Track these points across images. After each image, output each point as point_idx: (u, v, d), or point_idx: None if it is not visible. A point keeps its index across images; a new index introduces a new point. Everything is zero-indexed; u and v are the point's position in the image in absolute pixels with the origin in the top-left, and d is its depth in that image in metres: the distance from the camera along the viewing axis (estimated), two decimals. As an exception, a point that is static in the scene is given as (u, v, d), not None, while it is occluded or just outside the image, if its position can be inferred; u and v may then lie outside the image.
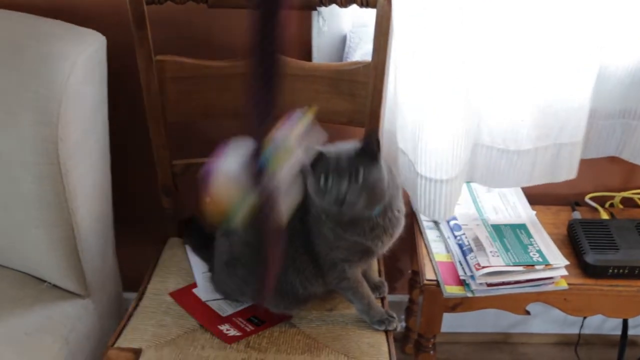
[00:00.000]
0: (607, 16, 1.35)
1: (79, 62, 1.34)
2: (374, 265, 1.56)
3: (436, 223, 1.63)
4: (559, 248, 1.52)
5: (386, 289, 1.48)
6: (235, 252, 1.38)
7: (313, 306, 1.44)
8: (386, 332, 1.38)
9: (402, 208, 1.33)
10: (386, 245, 1.33)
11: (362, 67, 1.41)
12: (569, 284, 1.47)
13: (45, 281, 1.49)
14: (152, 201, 1.62)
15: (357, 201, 1.20)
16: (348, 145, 1.24)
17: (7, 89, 1.31)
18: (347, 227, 1.26)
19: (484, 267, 1.43)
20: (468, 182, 1.72)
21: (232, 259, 1.39)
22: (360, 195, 1.20)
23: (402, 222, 1.33)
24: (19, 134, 1.32)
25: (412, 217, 1.73)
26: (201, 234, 1.57)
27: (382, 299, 1.47)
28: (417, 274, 1.83)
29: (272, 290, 1.35)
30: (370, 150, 1.21)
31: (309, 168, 1.22)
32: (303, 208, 1.28)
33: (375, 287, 1.47)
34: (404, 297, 1.96)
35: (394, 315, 1.41)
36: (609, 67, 1.48)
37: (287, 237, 1.29)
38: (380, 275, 1.54)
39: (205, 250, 1.50)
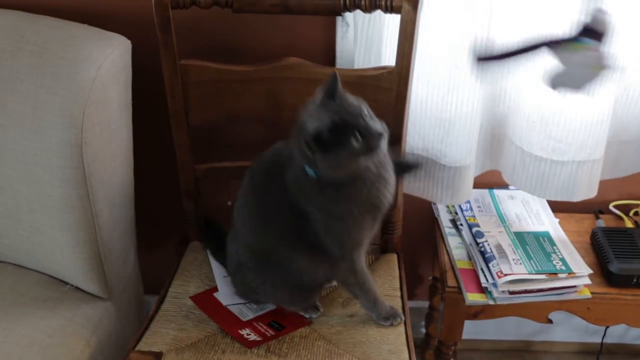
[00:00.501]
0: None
1: (105, 65, 1.35)
2: (390, 260, 1.56)
3: (458, 229, 1.63)
4: (582, 256, 1.51)
5: (400, 317, 1.41)
6: (241, 259, 1.39)
7: (333, 310, 1.43)
8: (407, 338, 1.37)
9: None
10: (390, 196, 1.29)
11: (385, 72, 1.40)
12: (592, 293, 1.47)
13: (67, 283, 1.50)
14: (174, 204, 1.63)
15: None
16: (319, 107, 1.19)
17: (33, 92, 1.33)
18: (353, 190, 1.24)
19: (506, 275, 1.43)
20: (490, 190, 1.73)
21: (239, 263, 1.40)
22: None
23: (392, 166, 1.30)
24: (44, 137, 1.33)
25: (434, 224, 1.73)
26: (220, 238, 1.57)
27: (405, 325, 1.43)
28: (438, 280, 1.82)
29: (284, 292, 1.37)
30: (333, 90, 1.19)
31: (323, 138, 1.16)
32: (299, 212, 1.27)
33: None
34: (424, 304, 1.95)
35: (398, 310, 1.40)
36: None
37: (286, 240, 1.31)
38: (401, 282, 1.53)
39: (224, 253, 1.51)
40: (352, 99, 1.20)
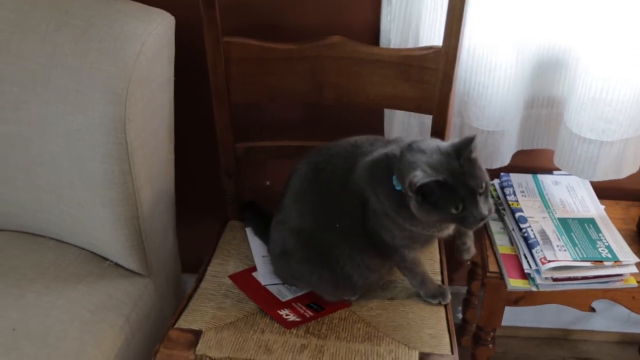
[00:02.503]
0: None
1: (149, 41, 1.35)
2: (437, 258, 1.55)
3: (500, 214, 1.61)
4: (629, 244, 1.49)
5: (448, 296, 1.41)
6: (287, 246, 1.38)
7: (373, 295, 1.43)
8: (447, 322, 1.37)
9: None
10: (448, 231, 1.30)
11: (432, 52, 1.39)
12: (638, 282, 1.44)
13: (107, 259, 1.52)
14: (213, 183, 1.63)
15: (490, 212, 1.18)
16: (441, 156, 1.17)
17: (78, 68, 1.33)
18: (418, 223, 1.24)
19: (550, 262, 1.41)
20: (534, 174, 1.71)
21: (284, 252, 1.39)
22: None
23: None
24: (87, 113, 1.33)
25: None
26: (262, 217, 1.57)
27: (446, 307, 1.43)
28: (477, 265, 1.81)
29: (328, 285, 1.37)
30: (465, 152, 1.16)
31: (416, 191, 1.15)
32: (363, 205, 1.28)
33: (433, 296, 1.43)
34: (462, 289, 1.94)
35: (446, 288, 1.41)
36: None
37: (345, 231, 1.31)
38: (442, 265, 1.52)
39: (266, 233, 1.51)
40: (478, 169, 1.17)
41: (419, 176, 1.13)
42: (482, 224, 1.17)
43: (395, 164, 1.21)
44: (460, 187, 1.14)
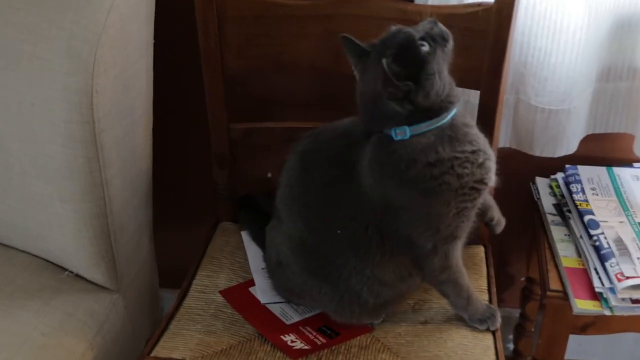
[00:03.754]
0: None
1: (124, -7, 1.36)
2: (477, 253, 1.57)
3: (564, 217, 1.61)
4: None
5: (498, 319, 1.44)
6: (284, 257, 1.40)
7: (401, 315, 1.44)
8: (497, 354, 1.37)
9: None
10: (493, 172, 1.31)
11: (480, 10, 1.39)
12: None
13: (67, 269, 1.52)
14: (201, 174, 1.65)
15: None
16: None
17: (32, 26, 1.34)
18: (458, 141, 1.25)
19: (628, 278, 1.41)
20: (609, 167, 1.71)
21: (280, 262, 1.41)
22: None
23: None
24: (45, 83, 1.34)
25: (531, 209, 1.72)
26: (261, 217, 1.58)
27: (489, 291, 1.49)
28: (534, 282, 1.81)
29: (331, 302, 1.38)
30: None
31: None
32: (377, 198, 1.28)
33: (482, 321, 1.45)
34: (514, 312, 1.94)
35: (496, 309, 1.42)
36: None
37: (349, 237, 1.31)
38: (489, 282, 1.53)
39: (265, 238, 1.52)
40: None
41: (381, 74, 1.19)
42: (440, 26, 1.23)
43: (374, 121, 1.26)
44: (404, 37, 1.22)
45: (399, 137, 1.23)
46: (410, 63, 1.19)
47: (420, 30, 1.22)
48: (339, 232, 1.31)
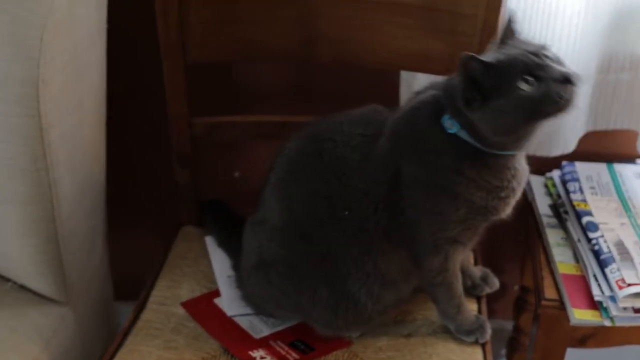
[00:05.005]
0: None
1: (71, -27, 1.35)
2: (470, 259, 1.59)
3: (561, 219, 1.62)
4: None
5: (496, 279, 1.53)
6: (267, 253, 1.39)
7: (382, 327, 1.44)
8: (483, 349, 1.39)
9: None
10: (512, 205, 1.33)
11: (468, -8, 1.40)
12: None
13: (9, 280, 1.51)
14: (161, 174, 1.64)
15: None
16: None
17: (-32, 8, 1.33)
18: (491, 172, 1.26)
19: (630, 285, 1.41)
20: (609, 163, 1.72)
21: (263, 262, 1.40)
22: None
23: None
24: (-16, 72, 1.33)
25: (525, 210, 1.72)
26: (229, 221, 1.59)
27: (479, 300, 1.50)
28: (528, 291, 1.81)
29: (324, 309, 1.37)
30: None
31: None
32: (392, 179, 1.29)
33: (483, 280, 1.52)
34: (507, 324, 1.95)
35: (485, 320, 1.43)
36: None
37: (356, 221, 1.31)
38: (478, 301, 1.54)
39: (233, 242, 1.52)
40: (533, 41, 1.22)
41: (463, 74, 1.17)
42: (574, 94, 1.17)
43: (444, 98, 1.25)
44: (517, 56, 1.17)
45: (446, 126, 1.23)
46: (501, 82, 1.17)
47: (549, 66, 1.17)
48: (346, 212, 1.31)
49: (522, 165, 1.30)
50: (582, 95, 1.58)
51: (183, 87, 1.51)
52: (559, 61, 1.19)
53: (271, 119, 1.56)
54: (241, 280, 1.49)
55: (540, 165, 1.72)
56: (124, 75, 1.60)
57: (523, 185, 1.31)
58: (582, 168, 1.70)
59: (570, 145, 1.64)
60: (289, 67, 1.71)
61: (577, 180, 1.67)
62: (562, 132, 1.62)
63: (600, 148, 1.76)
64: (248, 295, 1.47)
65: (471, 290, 1.51)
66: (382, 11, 1.44)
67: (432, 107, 1.25)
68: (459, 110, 1.20)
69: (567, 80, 1.15)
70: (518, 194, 1.30)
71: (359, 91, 1.47)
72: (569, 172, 1.69)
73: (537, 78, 1.15)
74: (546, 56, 1.17)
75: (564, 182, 1.68)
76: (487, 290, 1.52)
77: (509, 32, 1.23)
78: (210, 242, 1.61)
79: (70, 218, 1.47)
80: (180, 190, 1.61)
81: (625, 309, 1.42)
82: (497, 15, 1.39)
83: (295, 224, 1.35)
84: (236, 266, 1.53)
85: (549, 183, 1.71)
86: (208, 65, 1.53)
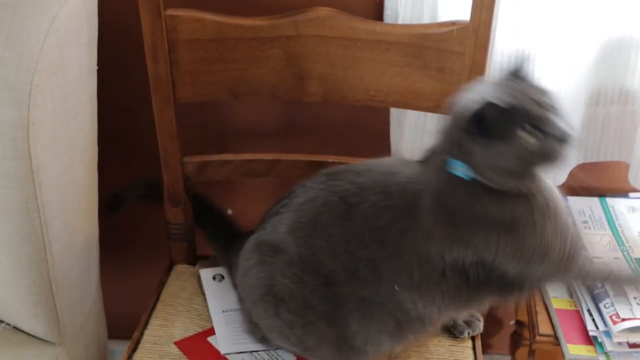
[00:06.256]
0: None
1: (61, 16, 1.35)
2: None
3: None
4: None
5: (481, 323, 1.50)
6: (280, 290, 1.36)
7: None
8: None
9: None
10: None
11: (456, 30, 1.40)
12: None
13: (2, 321, 1.51)
14: (153, 213, 1.64)
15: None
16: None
17: (-41, 52, 1.33)
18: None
19: (624, 320, 1.41)
20: (602, 198, 1.72)
21: (273, 296, 1.37)
22: None
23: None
24: (-26, 116, 1.33)
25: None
26: (217, 218, 1.62)
27: (473, 340, 1.48)
28: (523, 325, 1.81)
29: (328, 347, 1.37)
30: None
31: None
32: (409, 217, 1.29)
33: (466, 324, 1.50)
34: (504, 359, 1.94)
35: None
36: None
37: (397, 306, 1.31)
38: (473, 341, 1.53)
39: (223, 240, 1.56)
40: (538, 85, 1.24)
41: (467, 105, 1.19)
42: (568, 150, 1.19)
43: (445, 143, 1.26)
44: (525, 104, 1.18)
45: (454, 171, 1.24)
46: (502, 126, 1.18)
47: (552, 121, 1.19)
48: (397, 288, 1.30)
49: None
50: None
51: (173, 125, 1.51)
52: (560, 113, 1.20)
53: (261, 157, 1.55)
54: (246, 306, 1.46)
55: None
56: (115, 115, 1.61)
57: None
58: (574, 202, 1.70)
59: (561, 178, 1.64)
60: (280, 105, 1.71)
61: (569, 215, 1.67)
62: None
63: (592, 181, 1.76)
64: (248, 314, 1.45)
65: (452, 330, 1.49)
66: (370, 49, 1.44)
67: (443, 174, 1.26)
68: (460, 147, 1.21)
69: (565, 138, 1.17)
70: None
71: (350, 128, 1.47)
72: (562, 206, 1.69)
73: (540, 131, 1.17)
74: (550, 106, 1.19)
75: (557, 216, 1.67)
76: (469, 333, 1.48)
77: (519, 70, 1.24)
78: (204, 276, 1.60)
79: (62, 259, 1.47)
80: (172, 229, 1.61)
81: (620, 343, 1.42)
82: (484, 53, 1.40)
83: (319, 270, 1.33)
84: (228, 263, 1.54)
85: (542, 216, 1.71)
86: (198, 104, 1.53)
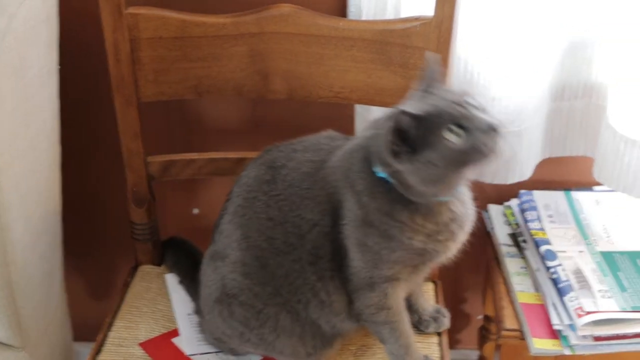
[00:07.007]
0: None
1: (20, 15, 1.34)
2: (426, 291, 1.56)
3: (520, 248, 1.63)
4: (699, 287, 1.51)
5: (447, 319, 1.49)
6: (229, 286, 1.37)
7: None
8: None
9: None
10: (456, 247, 1.31)
11: (419, 25, 1.40)
12: None
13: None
14: (117, 213, 1.63)
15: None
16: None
17: None
18: (424, 216, 1.25)
19: (589, 313, 1.43)
20: (567, 191, 1.74)
21: (225, 294, 1.38)
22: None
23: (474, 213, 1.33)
24: None
25: (485, 240, 1.73)
26: (189, 258, 1.58)
27: (439, 335, 1.48)
28: (491, 320, 1.82)
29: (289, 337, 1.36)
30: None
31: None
32: (334, 211, 1.29)
33: (432, 319, 1.49)
34: (472, 354, 1.95)
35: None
36: None
37: (310, 253, 1.31)
38: (439, 336, 1.52)
39: (195, 280, 1.50)
40: (455, 89, 1.23)
41: (388, 125, 1.16)
42: (498, 142, 1.17)
43: (371, 149, 1.24)
44: (442, 107, 1.17)
45: (377, 171, 1.23)
46: (427, 134, 1.16)
47: (475, 116, 1.17)
48: (302, 242, 1.30)
49: (465, 207, 1.28)
50: (537, 123, 1.60)
51: (137, 124, 1.49)
52: (482, 109, 1.20)
53: (228, 156, 1.55)
54: (202, 317, 1.48)
55: (501, 194, 1.74)
56: (77, 116, 1.59)
57: (467, 228, 1.30)
58: (540, 196, 1.72)
59: (526, 173, 1.65)
60: (244, 102, 1.71)
61: (535, 208, 1.68)
62: (518, 160, 1.62)
63: (558, 175, 1.77)
64: (210, 331, 1.46)
65: (417, 325, 1.48)
66: (333, 46, 1.44)
67: (366, 151, 1.25)
68: (384, 160, 1.19)
69: (492, 129, 1.16)
70: (461, 237, 1.29)
71: (315, 124, 1.46)
72: (527, 201, 1.70)
73: (464, 129, 1.16)
74: (470, 105, 1.18)
75: (523, 211, 1.69)
76: (434, 329, 1.48)
77: (432, 77, 1.22)
78: (170, 280, 1.60)
79: (24, 262, 1.46)
80: (137, 229, 1.59)
81: (584, 337, 1.43)
82: (448, 48, 1.40)
83: (254, 252, 1.34)
84: (198, 308, 1.52)
85: (508, 212, 1.73)
86: (162, 103, 1.52)
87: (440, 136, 1.15)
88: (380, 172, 1.22)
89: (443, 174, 1.18)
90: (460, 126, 1.15)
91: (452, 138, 1.15)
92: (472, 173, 1.21)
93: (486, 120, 1.16)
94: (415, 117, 1.15)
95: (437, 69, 1.22)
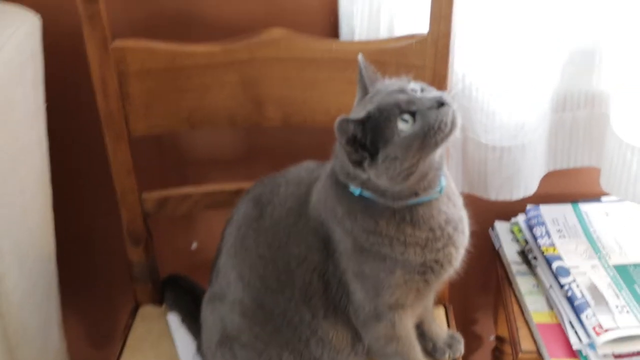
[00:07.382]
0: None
1: (3, 54, 1.33)
2: (437, 316, 1.55)
3: (530, 265, 1.61)
4: None
5: (462, 345, 1.47)
6: (229, 328, 1.37)
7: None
8: None
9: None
10: (459, 254, 1.28)
11: (415, 43, 1.39)
12: None
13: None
14: (113, 253, 1.62)
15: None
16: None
17: None
18: (413, 225, 1.22)
19: (607, 330, 1.41)
20: (575, 203, 1.73)
21: (226, 336, 1.37)
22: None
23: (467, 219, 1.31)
24: None
25: (494, 260, 1.71)
26: (191, 296, 1.57)
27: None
28: (504, 341, 1.79)
29: None
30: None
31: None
32: (324, 245, 1.27)
33: (447, 346, 1.47)
34: (485, 376, 1.93)
35: None
36: None
37: (301, 291, 1.29)
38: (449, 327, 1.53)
39: (197, 319, 1.48)
40: (391, 80, 1.23)
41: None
42: (449, 113, 1.14)
43: (336, 166, 1.24)
44: (383, 101, 1.17)
45: (351, 190, 1.22)
46: (380, 132, 1.15)
47: (419, 98, 1.16)
48: (293, 279, 1.29)
49: (455, 208, 1.27)
50: (540, 135, 1.58)
51: (129, 160, 1.48)
52: (426, 89, 1.19)
53: (223, 188, 1.53)
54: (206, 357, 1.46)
55: (505, 210, 1.72)
56: (68, 155, 1.57)
57: (464, 229, 1.28)
58: (547, 211, 1.70)
59: (531, 188, 1.64)
60: (239, 131, 1.69)
61: (543, 224, 1.66)
62: (522, 175, 1.61)
63: (564, 188, 1.76)
64: None
65: (432, 353, 1.46)
66: (327, 68, 1.44)
67: (336, 175, 1.24)
68: (351, 174, 1.19)
69: (440, 103, 1.14)
70: (460, 241, 1.27)
71: (311, 150, 1.45)
72: (535, 216, 1.68)
73: (412, 114, 1.14)
74: (412, 89, 1.18)
75: (530, 227, 1.67)
76: (449, 356, 1.46)
77: (368, 77, 1.23)
78: (172, 320, 1.58)
79: (20, 311, 1.44)
80: (135, 269, 1.58)
81: (605, 355, 1.41)
82: (445, 65, 1.39)
83: (251, 292, 1.33)
84: (200, 344, 1.49)
85: (515, 229, 1.71)
86: (154, 137, 1.51)
87: (392, 129, 1.14)
88: (355, 189, 1.21)
89: (409, 164, 1.15)
90: (409, 112, 1.14)
91: (404, 126, 1.14)
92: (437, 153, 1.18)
93: (430, 97, 1.15)
94: (360, 122, 1.14)
95: (370, 69, 1.24)
